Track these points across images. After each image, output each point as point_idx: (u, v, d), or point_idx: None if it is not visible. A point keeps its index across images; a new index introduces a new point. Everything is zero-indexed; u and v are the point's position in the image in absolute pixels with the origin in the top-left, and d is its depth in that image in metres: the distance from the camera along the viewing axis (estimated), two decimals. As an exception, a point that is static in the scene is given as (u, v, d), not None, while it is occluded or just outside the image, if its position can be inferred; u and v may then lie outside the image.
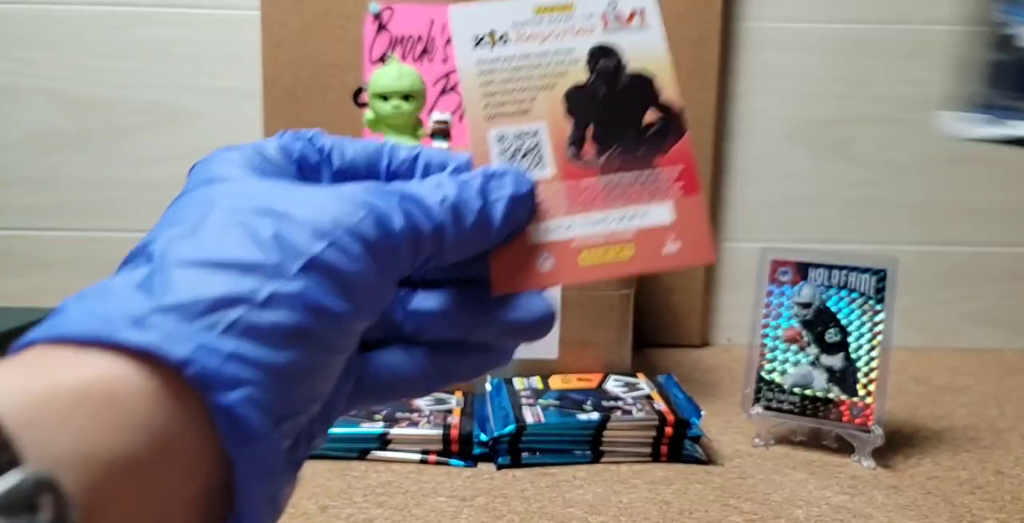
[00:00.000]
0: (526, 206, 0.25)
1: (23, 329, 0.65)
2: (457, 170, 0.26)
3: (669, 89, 0.27)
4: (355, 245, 0.21)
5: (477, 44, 0.27)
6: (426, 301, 0.25)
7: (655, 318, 0.89)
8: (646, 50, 0.27)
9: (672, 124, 0.27)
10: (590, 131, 0.26)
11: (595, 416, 0.57)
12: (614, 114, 0.26)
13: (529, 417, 0.57)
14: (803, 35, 0.86)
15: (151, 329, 0.18)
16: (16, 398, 0.15)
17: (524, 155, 0.26)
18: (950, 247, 0.90)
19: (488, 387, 0.65)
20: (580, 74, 0.26)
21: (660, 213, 0.26)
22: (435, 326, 0.25)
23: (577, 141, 0.26)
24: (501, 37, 0.27)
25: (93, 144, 0.87)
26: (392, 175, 0.26)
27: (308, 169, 0.25)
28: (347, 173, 0.26)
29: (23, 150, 0.87)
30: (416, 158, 0.26)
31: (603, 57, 0.27)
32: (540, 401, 0.60)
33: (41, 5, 0.84)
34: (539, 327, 0.25)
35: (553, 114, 0.26)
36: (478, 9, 0.27)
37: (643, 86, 0.27)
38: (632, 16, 0.27)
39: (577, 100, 0.26)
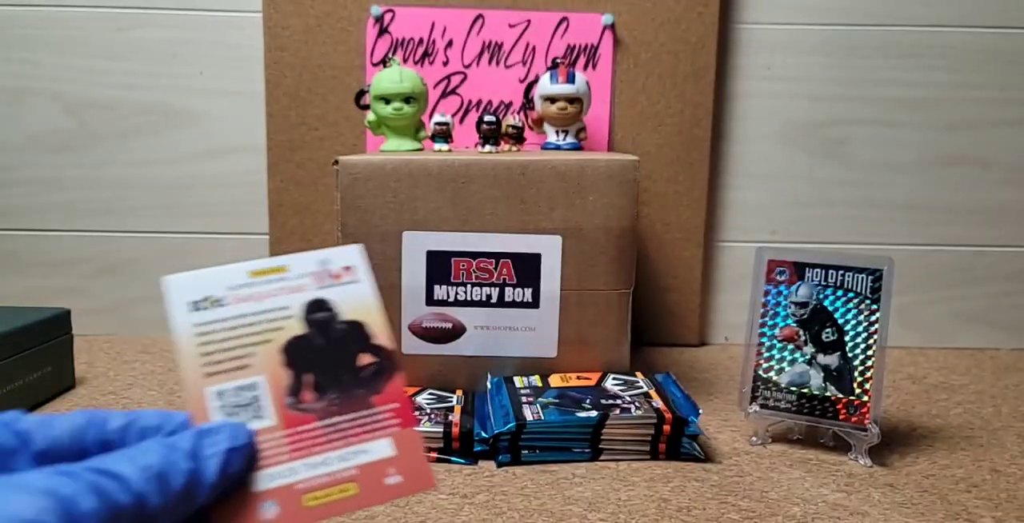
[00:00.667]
0: (244, 458, 0.26)
1: (27, 329, 0.66)
2: (173, 432, 0.26)
3: (380, 333, 0.29)
4: None
5: (194, 309, 0.28)
6: None
7: (653, 318, 0.90)
8: (357, 300, 0.30)
9: (385, 364, 0.29)
10: (309, 379, 0.29)
11: (594, 414, 0.57)
12: (330, 361, 0.29)
13: (529, 415, 0.57)
14: (800, 37, 0.87)
15: None
16: None
17: (243, 408, 0.28)
18: (945, 247, 0.91)
19: (488, 385, 0.65)
20: (297, 327, 0.29)
21: (380, 448, 0.28)
22: None
23: (295, 390, 0.28)
24: (217, 301, 0.29)
25: (97, 145, 0.88)
26: (105, 445, 0.26)
27: (3, 455, 0.25)
28: (51, 453, 0.25)
29: (27, 151, 0.87)
30: (129, 425, 0.26)
31: (317, 310, 0.29)
32: (540, 399, 0.60)
33: (45, 7, 0.85)
34: None
35: (271, 366, 0.28)
36: (192, 277, 0.29)
37: (356, 332, 0.29)
38: (342, 272, 0.30)
39: (294, 351, 0.29)
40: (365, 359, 0.29)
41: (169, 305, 0.28)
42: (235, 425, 0.26)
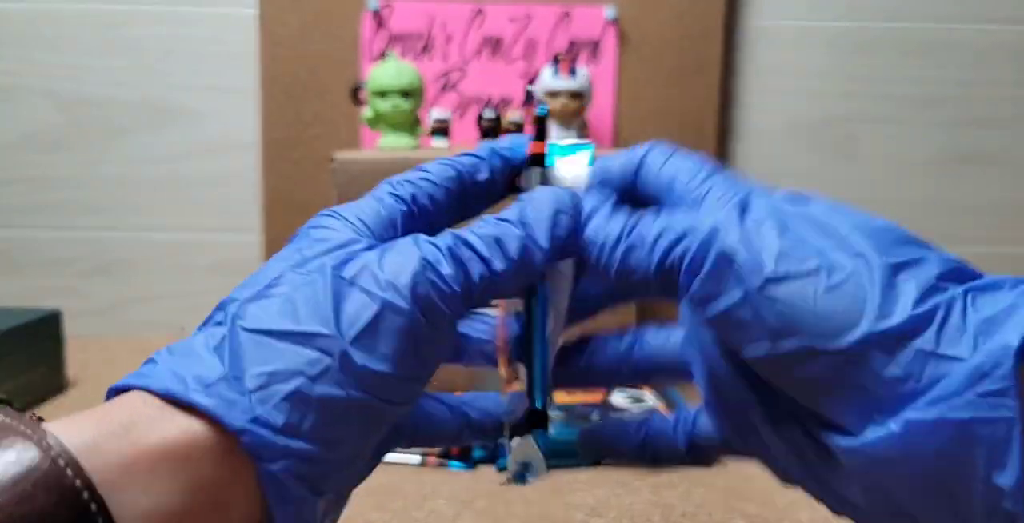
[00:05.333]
0: (570, 219, 0.25)
1: (21, 329, 0.65)
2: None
3: None
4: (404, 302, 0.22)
5: None
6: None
7: (656, 319, 0.89)
8: None
9: None
10: None
11: None
12: None
13: None
14: (806, 33, 0.85)
15: (216, 396, 0.20)
16: (110, 457, 0.19)
17: None
18: (953, 246, 0.89)
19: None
20: None
21: None
22: None
23: None
24: None
25: (90, 143, 0.86)
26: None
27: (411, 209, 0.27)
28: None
29: (20, 149, 0.86)
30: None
31: None
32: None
33: (38, 4, 0.84)
34: None
35: None
36: None
37: None
38: None
39: None
40: None
41: None
42: (556, 191, 0.26)
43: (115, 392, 0.22)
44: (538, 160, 0.28)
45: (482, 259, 0.24)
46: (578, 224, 0.25)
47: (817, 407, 0.22)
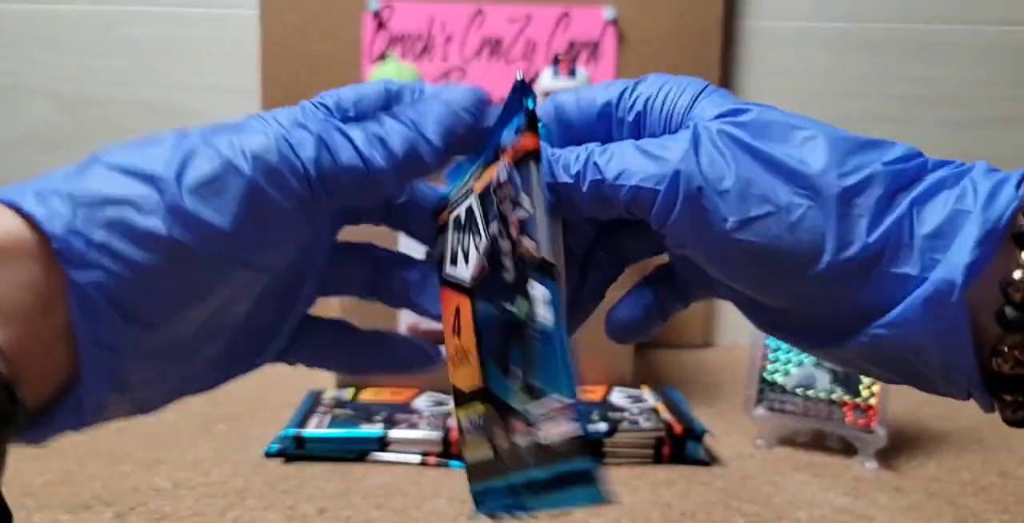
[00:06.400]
0: (466, 116, 0.25)
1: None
2: None
3: None
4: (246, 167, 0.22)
5: None
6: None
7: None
8: None
9: None
10: None
11: (603, 426, 0.56)
12: None
13: None
14: (806, 33, 0.85)
15: (44, 205, 0.21)
16: None
17: None
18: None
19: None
20: None
21: None
22: None
23: None
24: None
25: (91, 143, 0.86)
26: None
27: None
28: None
29: (20, 149, 0.86)
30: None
31: None
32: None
33: (39, 4, 0.84)
34: None
35: None
36: None
37: None
38: None
39: None
40: None
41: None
42: (459, 89, 0.25)
43: None
44: (534, 157, 0.23)
45: (358, 153, 0.23)
46: (480, 122, 0.25)
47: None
